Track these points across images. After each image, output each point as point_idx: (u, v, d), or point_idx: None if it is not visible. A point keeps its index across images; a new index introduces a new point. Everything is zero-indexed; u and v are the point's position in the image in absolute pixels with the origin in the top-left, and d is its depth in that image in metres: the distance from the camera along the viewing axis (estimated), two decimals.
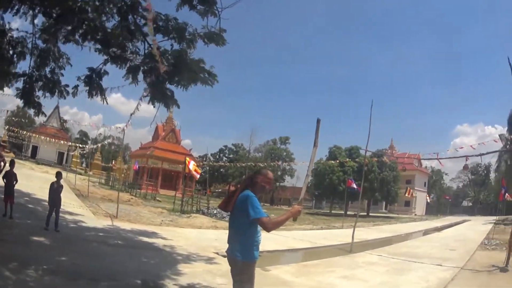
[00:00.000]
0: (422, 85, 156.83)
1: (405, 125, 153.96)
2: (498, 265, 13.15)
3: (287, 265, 12.30)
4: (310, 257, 15.09)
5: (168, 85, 9.96)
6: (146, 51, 9.97)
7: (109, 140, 42.68)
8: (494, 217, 43.36)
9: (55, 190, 12.54)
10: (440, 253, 16.92)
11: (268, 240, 13.89)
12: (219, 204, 4.73)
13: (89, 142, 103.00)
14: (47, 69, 11.62)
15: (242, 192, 4.39)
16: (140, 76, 10.06)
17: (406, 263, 13.99)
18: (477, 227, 37.63)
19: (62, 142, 58.56)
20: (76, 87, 10.94)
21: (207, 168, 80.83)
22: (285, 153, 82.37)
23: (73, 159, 71.67)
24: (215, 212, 27.18)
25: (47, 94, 11.60)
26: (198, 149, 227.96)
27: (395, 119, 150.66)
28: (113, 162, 55.41)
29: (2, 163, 15.14)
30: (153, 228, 16.71)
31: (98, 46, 9.92)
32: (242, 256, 4.25)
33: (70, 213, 16.65)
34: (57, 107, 75.80)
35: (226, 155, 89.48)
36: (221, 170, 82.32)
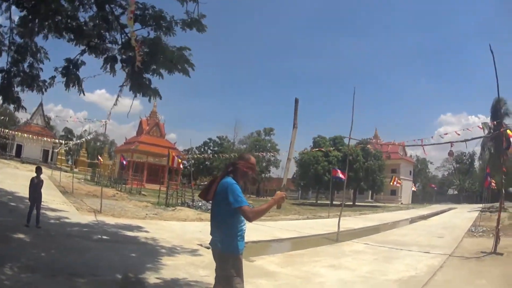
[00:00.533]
0: (405, 76, 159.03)
1: (389, 115, 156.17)
2: (486, 251, 13.14)
3: (272, 256, 12.22)
4: (296, 246, 15.00)
5: (146, 75, 9.71)
6: (123, 40, 9.74)
7: (93, 135, 41.90)
8: (480, 205, 43.75)
9: (35, 185, 12.45)
10: (427, 240, 16.93)
11: (252, 231, 13.90)
12: (200, 193, 4.46)
13: (74, 139, 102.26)
14: (25, 64, 11.34)
15: (223, 179, 4.13)
16: (118, 66, 9.81)
17: (393, 251, 13.90)
18: (463, 215, 38.14)
19: (46, 139, 57.78)
20: (53, 78, 10.68)
21: (192, 161, 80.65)
22: (269, 144, 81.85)
23: (59, 157, 70.86)
24: (200, 204, 27.00)
25: (26, 89, 11.29)
26: (184, 142, 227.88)
27: (379, 109, 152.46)
28: (99, 158, 54.65)
29: None
30: (137, 222, 16.50)
31: (73, 37, 9.67)
32: (225, 248, 4.01)
33: (53, 210, 16.44)
34: (41, 105, 75.20)
35: (211, 148, 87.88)
36: (206, 163, 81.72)
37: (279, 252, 13.21)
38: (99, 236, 12.09)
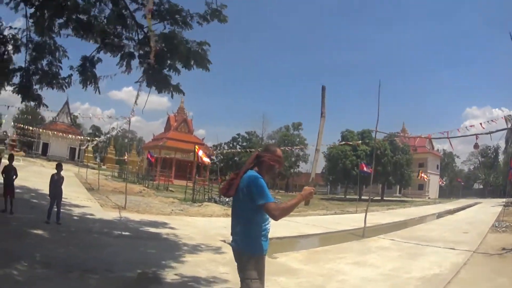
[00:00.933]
0: (431, 68, 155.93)
1: (416, 109, 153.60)
2: (508, 248, 12.83)
3: (297, 252, 11.90)
4: (322, 243, 14.78)
5: (164, 71, 9.61)
6: (139, 36, 9.63)
7: (118, 132, 42.38)
8: (503, 200, 42.72)
9: (56, 182, 12.44)
10: (453, 236, 16.49)
11: (278, 227, 13.42)
12: (221, 188, 4.21)
13: (102, 136, 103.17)
14: (44, 62, 11.35)
15: (246, 173, 3.76)
16: (135, 63, 9.74)
17: (419, 247, 13.50)
18: (488, 210, 37.32)
19: (71, 136, 58.64)
20: (69, 76, 10.85)
21: (221, 156, 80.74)
22: (298, 139, 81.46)
23: (86, 154, 71.18)
24: (227, 200, 26.48)
25: (46, 87, 11.36)
26: (212, 139, 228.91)
27: (406, 103, 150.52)
28: (126, 155, 55.12)
29: None
30: (162, 218, 16.40)
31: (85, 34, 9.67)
32: (248, 248, 3.65)
33: (76, 206, 16.55)
34: (66, 103, 76.59)
35: (240, 143, 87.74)
36: (235, 158, 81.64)
37: (303, 249, 13.02)
38: (120, 233, 11.98)
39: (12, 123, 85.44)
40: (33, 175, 28.03)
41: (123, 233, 12.05)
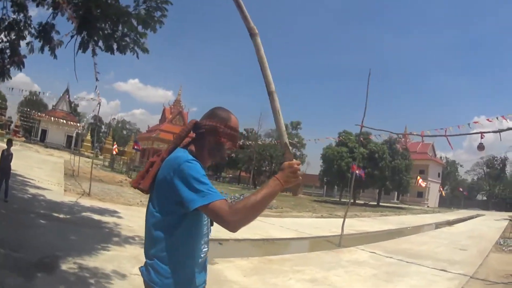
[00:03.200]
0: (437, 74, 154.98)
1: (421, 114, 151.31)
2: None
3: (245, 259, 9.79)
4: (285, 250, 12.99)
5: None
6: None
7: (112, 119, 42.41)
8: (510, 213, 40.50)
9: (5, 158, 12.33)
10: (447, 253, 14.26)
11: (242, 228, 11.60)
12: (132, 180, 2.28)
13: (103, 126, 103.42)
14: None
15: (171, 154, 2.13)
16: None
17: (402, 265, 11.31)
18: (491, 223, 34.45)
19: (68, 123, 58.11)
20: (29, 43, 10.24)
21: None
22: (296, 139, 79.75)
23: (84, 143, 71.39)
24: None
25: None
26: None
27: (410, 107, 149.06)
28: (115, 146, 54.83)
29: None
30: (119, 208, 15.26)
31: None
32: (165, 286, 2.02)
33: (38, 187, 16.08)
34: (67, 91, 75.61)
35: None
36: (232, 155, 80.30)
37: (257, 255, 10.97)
38: (59, 216, 11.21)
39: (17, 110, 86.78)
40: (21, 159, 27.47)
41: (62, 216, 11.31)
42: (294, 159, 2.07)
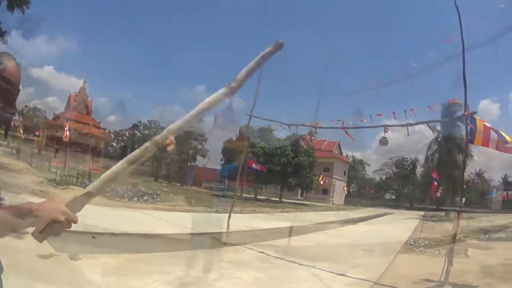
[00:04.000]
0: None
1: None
2: (431, 279, 9.28)
3: (113, 256, 8.85)
4: (162, 246, 11.49)
5: None
6: None
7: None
8: (419, 212, 41.77)
9: None
10: (347, 254, 13.44)
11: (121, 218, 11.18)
12: None
13: (16, 114, 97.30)
14: None
15: None
16: None
17: (292, 267, 10.19)
18: (401, 223, 34.46)
19: None
20: None
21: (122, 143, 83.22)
22: (197, 131, 79.07)
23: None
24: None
25: None
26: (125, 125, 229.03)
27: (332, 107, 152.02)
28: (37, 132, 52.50)
29: None
30: None
31: None
32: None
33: None
34: None
35: (141, 131, 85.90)
36: (135, 146, 78.32)
37: (128, 252, 9.62)
38: None
39: None
40: None
41: None
42: None
